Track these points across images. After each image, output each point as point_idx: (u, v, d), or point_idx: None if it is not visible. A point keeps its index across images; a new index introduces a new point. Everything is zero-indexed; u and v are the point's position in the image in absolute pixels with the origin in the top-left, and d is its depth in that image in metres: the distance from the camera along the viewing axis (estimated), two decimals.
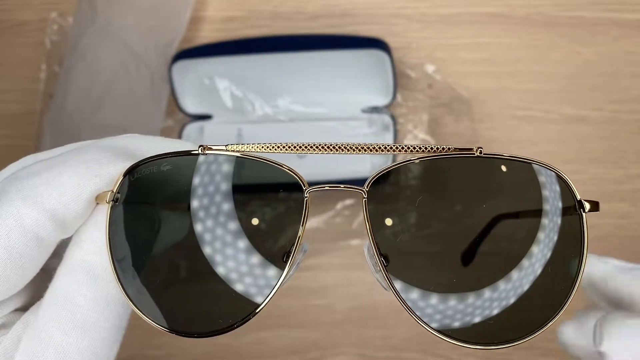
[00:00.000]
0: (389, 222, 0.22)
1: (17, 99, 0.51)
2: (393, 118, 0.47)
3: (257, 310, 0.22)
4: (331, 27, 0.50)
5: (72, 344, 0.20)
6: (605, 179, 0.47)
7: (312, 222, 0.48)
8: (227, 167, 0.22)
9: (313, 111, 0.49)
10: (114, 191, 0.21)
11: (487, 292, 0.22)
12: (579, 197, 0.23)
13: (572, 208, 0.23)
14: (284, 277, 0.22)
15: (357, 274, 0.47)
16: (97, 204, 0.21)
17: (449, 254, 0.22)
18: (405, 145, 0.22)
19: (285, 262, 0.22)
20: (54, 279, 0.21)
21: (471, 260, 0.22)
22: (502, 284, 0.22)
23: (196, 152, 0.22)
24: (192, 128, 0.49)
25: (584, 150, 0.48)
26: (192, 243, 0.22)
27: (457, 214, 0.22)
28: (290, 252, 0.22)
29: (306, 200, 0.22)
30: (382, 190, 0.22)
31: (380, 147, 0.22)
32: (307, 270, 0.47)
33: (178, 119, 0.49)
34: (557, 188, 0.23)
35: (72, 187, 0.20)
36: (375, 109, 0.48)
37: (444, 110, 0.49)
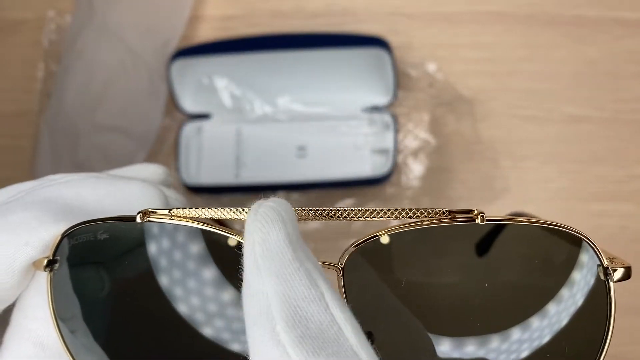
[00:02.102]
0: (370, 300, 0.19)
1: (14, 98, 0.50)
2: (394, 117, 0.47)
3: None
4: (331, 25, 0.50)
5: None
6: (607, 179, 0.47)
7: (312, 222, 0.47)
8: (175, 235, 0.20)
9: (313, 110, 0.48)
10: (51, 258, 0.19)
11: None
12: (606, 264, 0.19)
13: (597, 274, 0.19)
14: None
15: None
16: (36, 269, 0.19)
17: (439, 334, 0.19)
18: (395, 210, 0.18)
19: None
20: (2, 349, 0.19)
21: (469, 331, 0.19)
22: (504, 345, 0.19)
23: (133, 220, 0.19)
24: (190, 127, 0.48)
25: (586, 149, 0.48)
26: (147, 310, 0.19)
27: (454, 291, 0.19)
28: None
29: None
30: (362, 265, 0.19)
31: (360, 214, 0.18)
32: None
33: (176, 118, 0.49)
34: (575, 249, 0.19)
35: (1, 259, 0.18)
36: (375, 108, 0.48)
37: (445, 109, 0.48)
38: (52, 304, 0.19)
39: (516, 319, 0.19)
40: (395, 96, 0.47)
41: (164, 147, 0.49)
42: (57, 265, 0.19)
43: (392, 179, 0.47)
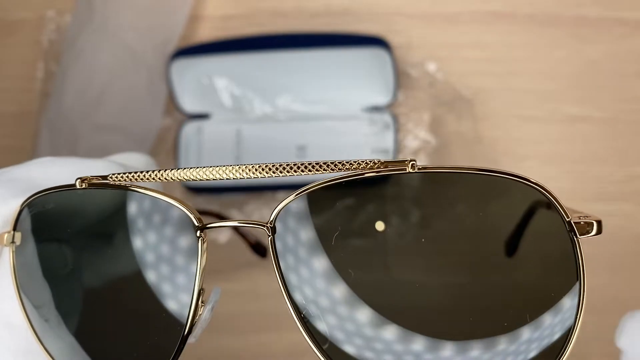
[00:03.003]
0: (298, 259, 0.17)
1: (13, 98, 0.50)
2: (394, 117, 0.47)
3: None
4: (331, 25, 0.50)
5: None
6: (608, 179, 0.47)
7: None
8: (110, 202, 0.19)
9: (313, 110, 0.48)
10: (12, 232, 0.19)
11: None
12: (568, 218, 0.17)
13: (560, 230, 0.17)
14: (187, 331, 0.19)
15: None
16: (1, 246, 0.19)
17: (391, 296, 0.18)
18: (321, 163, 0.17)
19: (194, 315, 0.18)
20: None
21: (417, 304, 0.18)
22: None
23: (72, 187, 0.19)
24: (190, 127, 0.48)
25: (587, 150, 0.48)
26: (102, 282, 0.19)
27: (385, 247, 0.18)
28: (191, 305, 0.18)
29: (200, 240, 0.18)
30: (291, 224, 0.18)
31: (289, 167, 0.17)
32: None
33: (176, 118, 0.49)
34: (534, 202, 0.17)
35: None
36: (375, 108, 0.48)
37: (445, 109, 0.48)
38: (16, 280, 0.18)
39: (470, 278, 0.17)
40: (395, 96, 0.47)
41: (163, 147, 0.49)
42: (18, 239, 0.19)
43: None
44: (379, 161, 0.17)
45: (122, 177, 0.18)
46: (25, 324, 0.19)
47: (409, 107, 0.48)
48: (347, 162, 0.17)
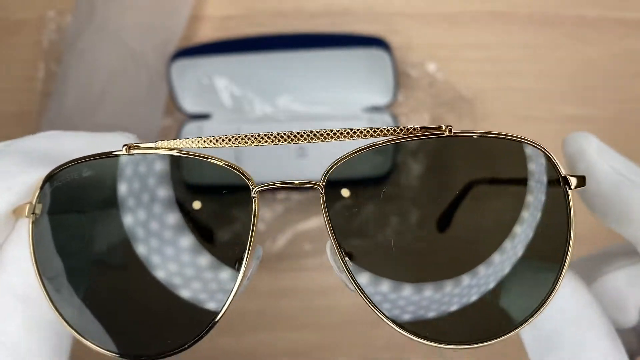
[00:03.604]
0: (351, 216, 0.20)
1: (14, 98, 0.50)
2: (394, 117, 0.47)
3: (216, 320, 0.20)
4: (331, 25, 0.50)
5: None
6: None
7: (312, 222, 0.47)
8: (160, 168, 0.19)
9: (313, 110, 0.48)
10: (33, 203, 0.18)
11: (465, 279, 0.19)
12: (563, 173, 0.20)
13: (557, 185, 0.20)
14: (237, 288, 0.19)
15: None
16: (17, 218, 0.19)
17: (422, 242, 0.20)
18: (368, 129, 0.19)
19: (238, 270, 0.19)
20: None
21: (448, 245, 0.20)
22: (482, 269, 0.19)
23: (119, 152, 0.19)
24: (190, 127, 0.48)
25: None
26: (129, 253, 0.19)
27: (428, 200, 0.20)
28: (242, 258, 0.19)
29: (254, 200, 0.19)
30: (342, 183, 0.20)
31: (339, 133, 0.19)
32: (307, 270, 0.47)
33: (177, 118, 0.49)
34: (541, 164, 0.21)
35: None
36: (375, 108, 0.48)
37: (445, 109, 0.48)
38: (33, 253, 0.18)
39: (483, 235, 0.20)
40: (395, 96, 0.47)
41: None
42: (39, 211, 0.18)
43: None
44: (418, 127, 0.19)
45: (169, 143, 0.18)
46: (39, 297, 0.18)
47: (409, 107, 0.48)
48: (390, 128, 0.19)
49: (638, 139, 0.48)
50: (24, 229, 0.19)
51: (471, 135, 0.20)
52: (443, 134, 0.19)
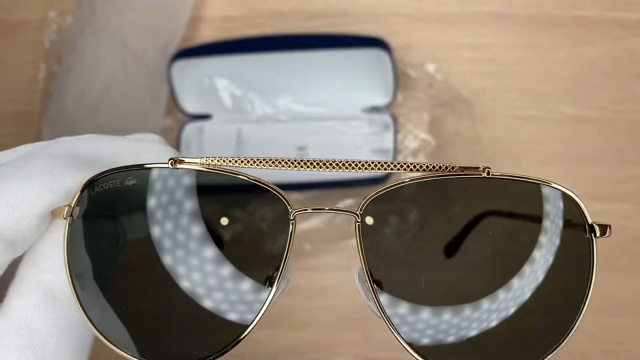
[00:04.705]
0: (383, 246, 0.20)
1: (15, 98, 0.50)
2: (393, 118, 0.47)
3: (242, 336, 0.20)
4: (331, 26, 0.50)
5: None
6: (606, 179, 0.47)
7: (312, 222, 0.47)
8: (201, 184, 0.20)
9: (313, 111, 0.48)
10: (72, 206, 0.19)
11: (480, 310, 0.20)
12: (590, 221, 0.20)
13: (581, 231, 0.21)
14: (269, 302, 0.20)
15: None
16: (53, 219, 0.19)
17: (447, 278, 0.21)
18: (408, 163, 0.20)
19: (270, 287, 0.20)
20: (5, 300, 0.19)
21: (469, 270, 0.21)
22: (502, 294, 0.20)
23: (164, 166, 0.19)
24: (191, 128, 0.48)
25: (586, 150, 0.48)
26: (161, 264, 0.19)
27: (452, 230, 0.21)
28: (273, 277, 0.20)
29: (292, 223, 0.20)
30: (377, 213, 0.20)
31: (380, 165, 0.20)
32: (307, 270, 0.47)
33: (177, 118, 0.49)
34: (565, 208, 0.21)
35: (22, 204, 0.18)
36: (375, 109, 0.48)
37: (444, 109, 0.49)
38: (67, 254, 0.19)
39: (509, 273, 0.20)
40: (394, 97, 0.47)
41: None
42: (76, 213, 0.19)
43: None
44: (457, 166, 0.20)
45: (212, 160, 0.19)
46: (67, 298, 0.19)
47: (408, 108, 0.49)
48: (430, 165, 0.20)
49: (637, 139, 0.48)
50: (59, 229, 0.19)
51: (509, 179, 0.20)
52: (481, 174, 0.20)
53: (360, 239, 0.20)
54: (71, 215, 0.19)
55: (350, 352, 0.46)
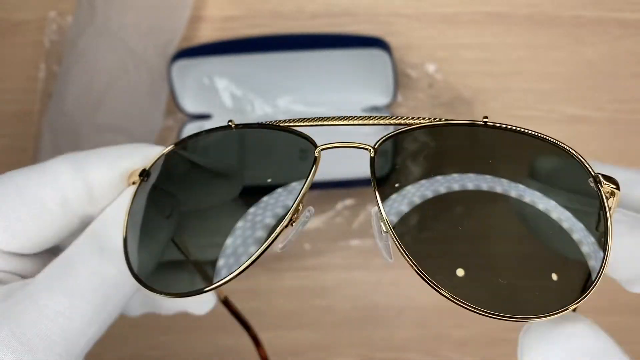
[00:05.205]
0: (394, 181, 0.22)
1: (15, 98, 0.51)
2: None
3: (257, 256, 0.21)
4: (331, 26, 0.50)
5: (63, 311, 0.20)
6: None
7: (313, 222, 0.47)
8: (242, 138, 0.24)
9: (313, 111, 0.48)
10: (146, 169, 0.22)
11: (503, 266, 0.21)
12: (594, 173, 0.21)
13: (589, 185, 0.21)
14: (281, 228, 0.21)
15: (358, 274, 0.47)
16: (130, 183, 0.22)
17: (460, 221, 0.21)
18: (416, 117, 0.22)
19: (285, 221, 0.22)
20: (72, 245, 0.21)
21: (486, 232, 0.21)
22: (516, 259, 0.21)
23: (229, 125, 0.23)
24: (191, 128, 0.48)
25: (585, 150, 0.48)
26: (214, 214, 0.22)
27: (467, 182, 0.22)
28: (296, 206, 0.22)
29: (316, 157, 0.23)
30: (389, 151, 0.23)
31: (385, 118, 0.23)
32: (307, 270, 0.47)
33: (177, 118, 0.49)
34: (571, 165, 0.22)
35: (110, 159, 0.22)
36: (375, 109, 0.48)
37: (444, 109, 0.49)
38: (128, 214, 0.21)
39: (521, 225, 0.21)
40: (395, 97, 0.47)
41: None
42: (147, 178, 0.22)
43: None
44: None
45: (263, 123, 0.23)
46: (116, 253, 0.21)
47: (408, 108, 0.49)
48: (433, 118, 0.22)
49: (636, 140, 0.48)
50: (127, 193, 0.22)
51: (506, 128, 0.22)
52: (480, 122, 0.21)
53: (373, 173, 0.22)
54: (143, 177, 0.22)
55: (350, 352, 0.47)
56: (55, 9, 0.51)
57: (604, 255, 0.20)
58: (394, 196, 0.22)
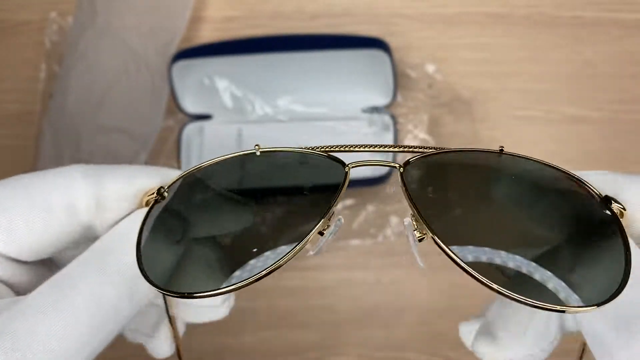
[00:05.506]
0: (428, 193, 0.24)
1: (17, 99, 0.51)
2: (393, 118, 0.47)
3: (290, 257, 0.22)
4: (331, 26, 0.50)
5: (59, 330, 0.19)
6: None
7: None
8: (278, 161, 0.24)
9: (313, 111, 0.49)
10: (165, 188, 0.22)
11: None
12: (602, 194, 0.22)
13: (599, 208, 0.22)
14: (315, 230, 0.22)
15: (358, 274, 0.47)
16: (144, 204, 0.22)
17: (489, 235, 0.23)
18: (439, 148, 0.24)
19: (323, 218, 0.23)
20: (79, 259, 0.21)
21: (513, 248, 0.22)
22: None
23: (254, 151, 0.24)
24: (192, 128, 0.49)
25: (585, 150, 0.48)
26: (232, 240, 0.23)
27: (486, 206, 0.24)
28: (328, 212, 0.23)
29: (346, 173, 0.23)
30: (415, 171, 0.24)
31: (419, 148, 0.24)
32: (307, 270, 0.47)
33: (178, 118, 0.49)
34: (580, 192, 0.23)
35: (128, 173, 0.22)
36: (375, 109, 0.48)
37: (444, 110, 0.49)
38: (140, 233, 0.21)
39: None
40: (394, 97, 0.47)
41: (165, 148, 0.49)
42: (163, 199, 0.22)
43: (392, 178, 0.47)
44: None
45: (291, 148, 0.24)
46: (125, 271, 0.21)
47: (408, 108, 0.49)
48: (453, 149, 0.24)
49: (635, 140, 0.48)
50: (135, 219, 0.22)
51: (520, 157, 0.24)
52: (499, 152, 0.23)
53: (405, 186, 0.23)
54: (161, 195, 0.22)
55: (350, 352, 0.47)
56: (56, 10, 0.51)
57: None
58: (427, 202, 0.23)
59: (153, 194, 0.22)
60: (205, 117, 0.49)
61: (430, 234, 0.22)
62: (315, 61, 0.47)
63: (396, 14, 0.50)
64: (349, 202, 0.48)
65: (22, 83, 0.51)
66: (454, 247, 0.21)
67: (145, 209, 0.22)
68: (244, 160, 0.24)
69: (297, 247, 0.22)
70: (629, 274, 0.20)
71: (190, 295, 0.21)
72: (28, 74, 0.51)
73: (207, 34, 0.51)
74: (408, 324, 0.47)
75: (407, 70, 0.49)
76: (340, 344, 0.47)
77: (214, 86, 0.48)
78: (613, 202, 0.22)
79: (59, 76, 0.49)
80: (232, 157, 0.24)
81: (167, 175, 0.23)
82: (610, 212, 0.21)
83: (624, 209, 0.21)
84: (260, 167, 0.24)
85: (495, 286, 0.20)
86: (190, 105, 0.49)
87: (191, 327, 0.48)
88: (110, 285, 0.20)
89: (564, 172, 0.23)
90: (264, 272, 0.22)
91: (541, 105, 0.49)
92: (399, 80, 0.47)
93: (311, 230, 0.22)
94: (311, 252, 0.23)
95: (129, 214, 0.22)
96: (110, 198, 0.21)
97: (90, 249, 0.21)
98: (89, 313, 0.20)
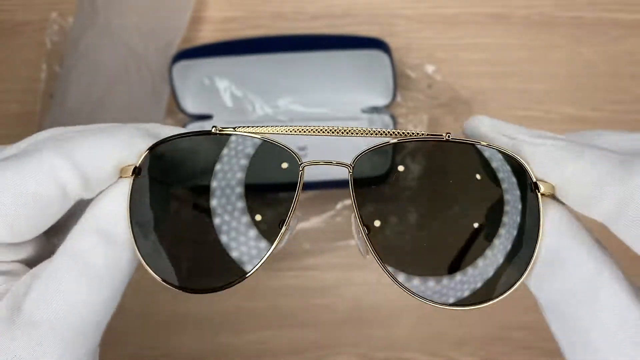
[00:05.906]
0: (370, 194, 0.25)
1: (17, 99, 0.51)
2: (393, 118, 0.48)
3: (246, 275, 0.23)
4: (331, 27, 0.50)
5: (81, 296, 0.21)
6: None
7: (312, 222, 0.48)
8: (219, 146, 0.24)
9: (313, 111, 0.49)
10: (137, 165, 0.23)
11: (458, 276, 0.23)
12: (534, 179, 0.22)
13: (530, 190, 0.23)
14: (275, 245, 0.24)
15: (358, 274, 0.47)
16: (120, 177, 0.23)
17: (425, 233, 0.24)
18: (383, 130, 0.25)
19: (280, 227, 0.24)
20: (67, 239, 0.22)
21: (441, 243, 0.24)
22: (470, 270, 0.23)
23: (213, 131, 0.24)
24: (192, 128, 0.49)
25: None
26: (202, 215, 0.24)
27: (428, 193, 0.25)
28: (285, 219, 0.24)
29: (300, 174, 0.24)
30: (365, 166, 0.25)
31: (350, 132, 0.25)
32: (307, 270, 0.48)
33: (178, 119, 0.50)
34: (515, 171, 0.23)
35: (104, 152, 0.22)
36: (375, 109, 0.48)
37: (444, 110, 0.49)
38: (129, 204, 0.23)
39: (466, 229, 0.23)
40: (394, 97, 0.47)
41: None
42: (139, 174, 0.23)
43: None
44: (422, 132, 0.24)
45: (246, 128, 0.24)
46: (120, 243, 0.22)
47: (408, 108, 0.49)
48: (402, 131, 0.24)
49: None
50: (122, 185, 0.23)
51: (465, 142, 0.24)
52: (443, 138, 0.23)
53: (352, 187, 0.24)
54: (136, 174, 0.23)
55: (350, 351, 0.47)
56: (57, 10, 0.51)
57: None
58: (369, 204, 0.25)
59: (129, 172, 0.23)
60: (205, 117, 0.49)
61: (365, 238, 0.23)
62: (316, 61, 0.47)
63: (396, 14, 0.50)
64: (348, 202, 0.48)
65: (23, 83, 0.51)
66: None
67: (126, 180, 0.23)
68: (204, 144, 0.24)
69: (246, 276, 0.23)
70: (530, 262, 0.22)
71: (184, 289, 0.23)
72: (28, 74, 0.51)
73: (208, 34, 0.51)
74: (408, 324, 0.47)
75: (407, 71, 0.49)
76: (340, 344, 0.47)
77: (214, 86, 0.48)
78: (541, 186, 0.22)
79: (60, 76, 0.49)
80: (193, 135, 0.24)
81: (135, 146, 0.23)
82: (537, 198, 0.22)
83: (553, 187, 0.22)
84: (216, 150, 0.25)
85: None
86: (191, 105, 0.49)
87: (190, 325, 0.48)
88: (122, 251, 0.22)
89: (504, 152, 0.23)
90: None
91: (541, 105, 0.49)
92: (398, 80, 0.47)
93: (268, 251, 0.23)
94: (281, 246, 0.24)
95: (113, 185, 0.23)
96: (90, 176, 0.22)
97: (85, 224, 0.22)
98: (109, 277, 0.22)
